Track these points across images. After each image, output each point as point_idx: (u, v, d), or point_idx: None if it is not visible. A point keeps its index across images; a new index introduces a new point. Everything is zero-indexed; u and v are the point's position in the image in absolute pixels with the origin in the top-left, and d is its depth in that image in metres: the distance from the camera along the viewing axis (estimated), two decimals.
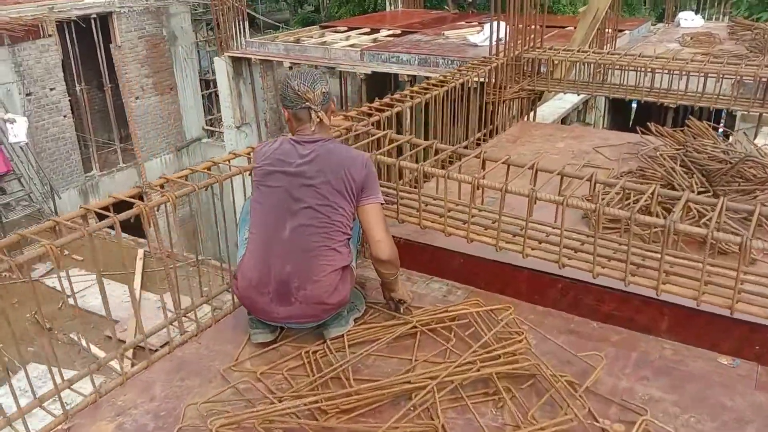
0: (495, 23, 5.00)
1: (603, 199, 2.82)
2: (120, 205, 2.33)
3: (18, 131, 10.57)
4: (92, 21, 13.21)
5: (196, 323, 2.51)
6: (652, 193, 2.44)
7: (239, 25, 10.30)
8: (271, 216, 2.35)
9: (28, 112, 12.43)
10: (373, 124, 3.32)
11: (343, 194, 2.34)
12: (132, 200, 2.33)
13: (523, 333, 2.32)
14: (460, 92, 4.35)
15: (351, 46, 9.56)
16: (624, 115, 7.55)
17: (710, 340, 2.56)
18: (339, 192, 2.33)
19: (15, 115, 10.73)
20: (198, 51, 16.70)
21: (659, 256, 2.25)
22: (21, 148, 11.27)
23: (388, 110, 3.54)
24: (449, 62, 8.02)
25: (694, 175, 3.31)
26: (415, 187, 2.85)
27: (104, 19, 13.53)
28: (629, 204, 2.97)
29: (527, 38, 5.09)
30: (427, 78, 4.62)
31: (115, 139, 14.65)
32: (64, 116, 13.25)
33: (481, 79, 4.69)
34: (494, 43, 4.96)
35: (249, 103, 10.54)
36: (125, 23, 14.04)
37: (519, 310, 2.92)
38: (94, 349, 6.99)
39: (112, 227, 2.24)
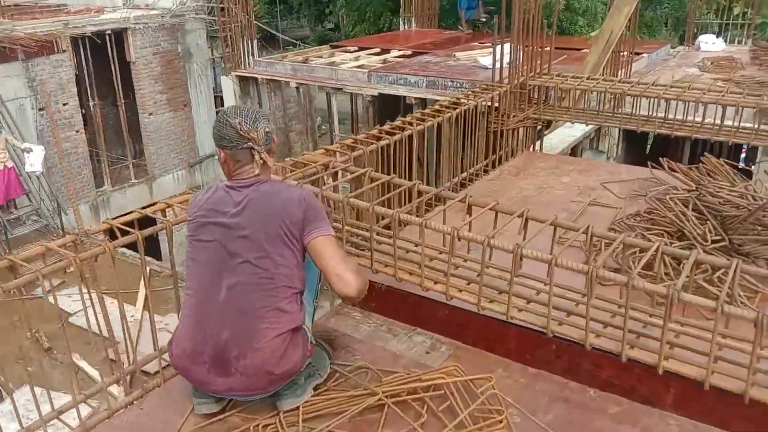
0: (499, 47, 4.74)
1: (601, 250, 2.53)
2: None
3: (34, 161, 10.62)
4: (107, 37, 13.23)
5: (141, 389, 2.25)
6: (656, 250, 2.15)
7: (248, 43, 10.18)
8: (206, 274, 2.10)
9: (40, 127, 12.44)
10: (381, 149, 3.09)
11: (284, 241, 2.07)
12: (155, 216, 2.14)
13: (503, 412, 2.04)
14: (462, 120, 4.10)
15: (359, 66, 9.38)
16: (640, 143, 7.23)
17: (721, 418, 2.25)
18: (278, 240, 2.07)
19: (32, 145, 10.79)
20: (213, 68, 16.71)
21: (662, 323, 1.96)
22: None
23: (385, 138, 3.31)
24: (458, 85, 7.78)
25: (708, 222, 3.00)
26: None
27: (119, 35, 13.54)
28: (633, 255, 2.68)
29: (534, 63, 4.82)
30: (435, 100, 4.39)
31: (128, 155, 14.61)
32: (77, 131, 13.24)
33: (486, 105, 4.43)
34: (497, 68, 4.70)
35: None
36: (140, 39, 14.04)
37: (509, 370, 2.64)
38: (93, 372, 6.81)
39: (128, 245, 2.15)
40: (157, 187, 14.85)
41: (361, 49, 10.86)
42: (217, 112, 12.18)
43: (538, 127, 5.11)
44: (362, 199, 2.57)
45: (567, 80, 4.77)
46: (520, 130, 4.85)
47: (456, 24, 13.95)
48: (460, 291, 2.34)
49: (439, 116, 3.94)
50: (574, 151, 6.72)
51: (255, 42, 10.33)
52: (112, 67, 13.40)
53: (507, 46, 4.60)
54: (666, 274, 2.80)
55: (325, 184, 2.76)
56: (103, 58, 13.25)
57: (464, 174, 4.36)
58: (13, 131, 11.42)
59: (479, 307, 2.28)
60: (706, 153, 3.69)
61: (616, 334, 2.09)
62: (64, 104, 12.97)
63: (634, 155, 7.74)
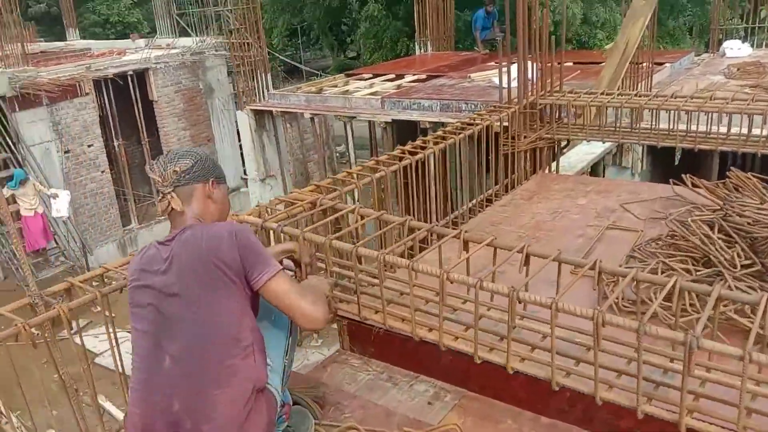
0: (507, 66, 4.54)
1: (618, 282, 2.28)
2: None
3: (60, 206, 10.83)
4: (129, 78, 13.47)
5: None
6: (673, 287, 1.90)
7: (262, 77, 10.19)
8: (147, 342, 1.90)
9: (66, 170, 12.65)
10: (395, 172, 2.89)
11: (220, 287, 1.87)
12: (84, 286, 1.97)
13: None
14: (474, 143, 3.91)
15: (372, 94, 9.27)
16: (666, 157, 6.88)
17: None
18: (213, 288, 1.87)
19: (57, 190, 11.00)
20: (235, 102, 16.88)
21: (682, 370, 1.70)
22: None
23: (407, 158, 3.12)
24: (472, 107, 7.57)
25: (736, 244, 2.72)
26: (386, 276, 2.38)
27: (141, 75, 13.78)
28: (648, 289, 2.42)
29: (545, 80, 4.60)
30: (443, 125, 4.21)
31: (153, 192, 14.72)
32: (102, 171, 13.44)
33: (498, 126, 4.22)
34: (505, 88, 4.49)
35: (273, 155, 10.34)
36: (162, 78, 14.28)
37: (519, 421, 2.39)
38: (118, 413, 6.71)
39: None
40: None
41: (375, 75, 10.77)
42: None
43: (563, 144, 4.86)
44: (348, 239, 2.38)
45: (580, 97, 4.53)
46: (536, 150, 4.62)
47: (472, 45, 13.81)
48: (456, 339, 2.11)
49: (443, 141, 3.75)
50: (595, 168, 6.42)
51: (269, 75, 10.33)
52: (135, 107, 13.63)
53: (508, 67, 4.40)
54: (691, 305, 2.53)
55: (313, 224, 2.58)
56: (126, 98, 13.49)
57: (473, 201, 4.14)
58: (39, 177, 11.62)
59: (476, 356, 2.05)
60: (731, 167, 3.40)
61: (631, 384, 1.84)
62: (89, 145, 13.19)
63: (661, 170, 7.38)
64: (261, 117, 10.15)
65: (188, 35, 16.36)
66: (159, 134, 14.50)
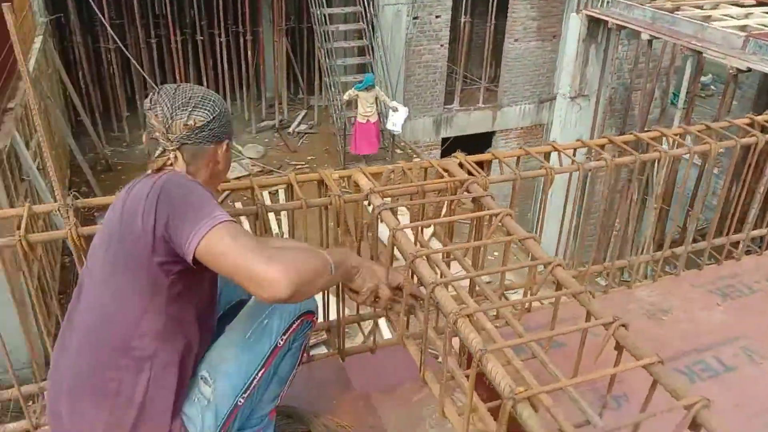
0: None
1: None
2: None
3: (397, 120, 10.76)
4: None
5: None
6: None
7: None
8: (72, 301, 1.55)
9: (409, 35, 13.00)
10: None
11: (123, 273, 1.43)
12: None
13: None
14: None
15: (741, 27, 6.86)
16: None
17: None
18: (114, 270, 1.44)
19: (399, 105, 11.01)
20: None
21: None
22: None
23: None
24: None
25: None
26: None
27: None
28: None
29: None
30: None
31: (483, 77, 14.43)
32: (441, 45, 13.51)
33: None
34: None
35: (595, 72, 8.78)
36: None
37: None
38: None
39: None
40: (501, 116, 14.49)
41: (762, 3, 7.99)
42: None
43: None
44: None
45: None
46: None
47: None
48: None
49: None
50: None
51: None
52: None
53: None
54: None
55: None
56: None
57: None
58: (386, 87, 11.99)
59: None
60: None
61: None
62: (437, 16, 13.23)
63: None
64: (595, 26, 8.60)
65: None
66: (507, 18, 13.75)
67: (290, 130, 12.55)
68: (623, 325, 1.28)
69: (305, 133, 12.66)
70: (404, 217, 2.04)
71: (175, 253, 1.37)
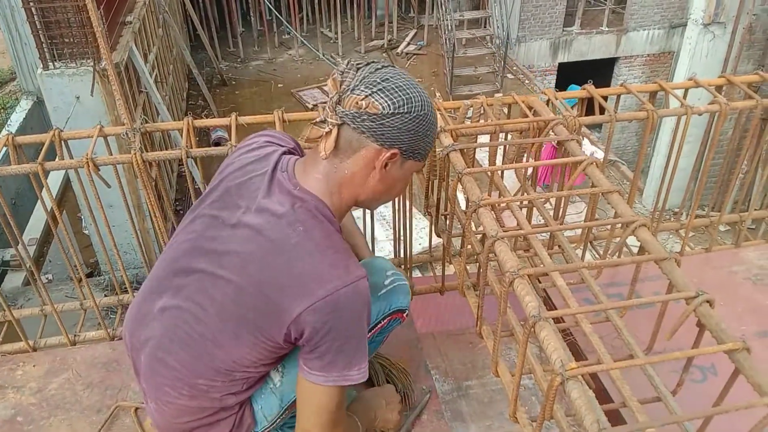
0: None
1: None
2: None
3: None
4: None
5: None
6: None
7: None
8: (164, 272, 1.41)
9: None
10: None
11: (245, 338, 1.31)
12: None
13: None
14: None
15: None
16: None
17: None
18: (237, 333, 1.31)
19: None
20: None
21: None
22: None
23: None
24: None
25: None
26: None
27: None
28: None
29: None
30: None
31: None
32: None
33: None
34: None
35: None
36: None
37: None
38: None
39: None
40: (626, 41, 13.34)
41: None
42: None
43: None
44: None
45: None
46: None
47: None
48: None
49: None
50: None
51: None
52: None
53: None
54: None
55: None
56: None
57: None
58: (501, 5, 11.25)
59: None
60: None
61: None
62: None
63: None
64: None
65: None
66: None
67: (399, 50, 12.26)
68: (708, 302, 1.12)
69: (414, 54, 12.33)
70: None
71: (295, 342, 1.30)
